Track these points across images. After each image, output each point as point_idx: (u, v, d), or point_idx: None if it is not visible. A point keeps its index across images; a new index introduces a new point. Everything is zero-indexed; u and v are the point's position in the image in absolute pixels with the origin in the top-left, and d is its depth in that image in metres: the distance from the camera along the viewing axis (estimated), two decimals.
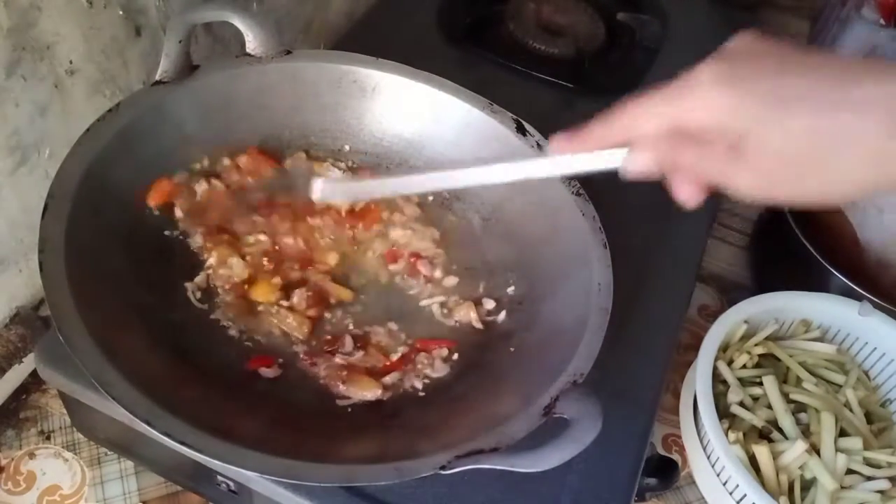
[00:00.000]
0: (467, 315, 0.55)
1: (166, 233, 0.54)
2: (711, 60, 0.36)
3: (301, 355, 0.52)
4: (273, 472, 0.40)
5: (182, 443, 0.40)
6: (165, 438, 0.40)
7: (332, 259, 0.57)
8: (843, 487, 0.58)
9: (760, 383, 0.64)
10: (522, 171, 0.43)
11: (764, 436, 0.62)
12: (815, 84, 0.33)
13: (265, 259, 0.55)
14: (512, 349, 0.53)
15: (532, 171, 0.43)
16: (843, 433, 0.61)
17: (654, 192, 0.65)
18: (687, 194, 0.38)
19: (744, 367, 0.65)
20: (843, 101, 0.32)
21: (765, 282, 0.79)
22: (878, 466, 0.60)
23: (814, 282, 0.69)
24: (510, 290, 0.57)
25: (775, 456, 0.59)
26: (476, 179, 0.45)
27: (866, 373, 0.68)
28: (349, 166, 0.63)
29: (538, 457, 0.41)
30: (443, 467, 0.41)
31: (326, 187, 0.48)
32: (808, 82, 0.33)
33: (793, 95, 0.33)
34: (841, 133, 0.33)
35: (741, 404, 0.63)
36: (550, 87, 0.83)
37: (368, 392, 0.51)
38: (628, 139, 0.39)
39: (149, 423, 0.40)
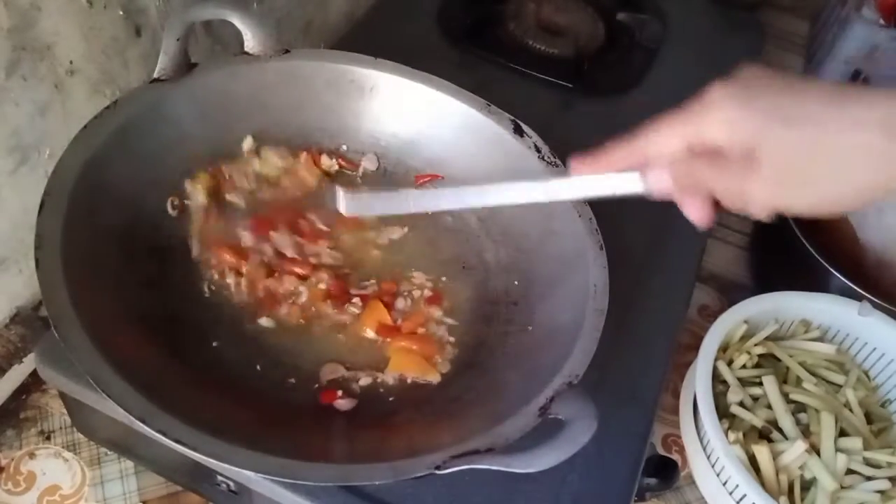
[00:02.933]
0: None
1: (164, 232, 0.54)
2: (722, 82, 0.39)
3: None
4: (268, 471, 0.40)
5: (178, 441, 0.40)
6: (162, 437, 0.40)
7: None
8: (843, 487, 0.58)
9: (760, 383, 0.64)
10: (551, 192, 0.45)
11: (764, 436, 0.61)
12: (817, 102, 0.36)
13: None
14: (507, 350, 0.53)
15: (558, 193, 0.45)
16: (842, 433, 0.61)
17: None
18: (698, 213, 0.41)
19: (744, 367, 0.65)
20: (843, 116, 0.36)
21: (765, 282, 0.79)
22: (878, 466, 0.60)
23: (814, 282, 0.69)
24: (507, 290, 0.57)
25: (775, 456, 0.59)
26: (500, 199, 0.46)
27: (866, 373, 0.68)
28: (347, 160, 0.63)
29: (533, 457, 0.41)
30: (438, 467, 0.41)
31: (351, 200, 0.48)
32: (810, 100, 0.37)
33: (798, 111, 0.36)
34: (843, 142, 0.35)
35: (741, 404, 0.63)
36: (550, 87, 0.83)
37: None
38: (646, 160, 0.41)
39: (145, 422, 0.40)
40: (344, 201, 0.48)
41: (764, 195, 0.38)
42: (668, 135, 0.40)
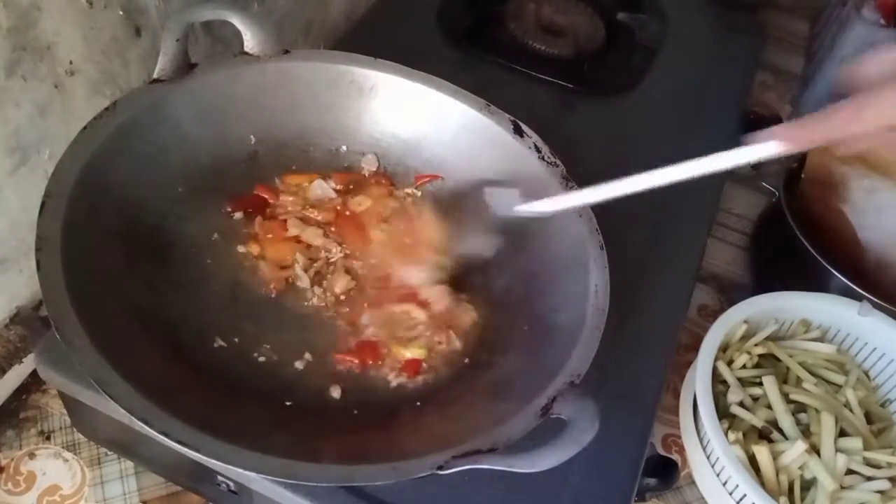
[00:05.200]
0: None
1: (164, 232, 0.55)
2: None
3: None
4: (270, 472, 0.40)
5: (179, 442, 0.40)
6: (163, 437, 0.40)
7: None
8: (843, 487, 0.58)
9: (760, 383, 0.64)
10: (735, 159, 0.43)
11: (764, 436, 0.61)
12: None
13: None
14: (508, 350, 0.53)
15: (748, 157, 0.43)
16: (843, 433, 0.61)
17: (652, 192, 0.65)
18: None
19: (743, 367, 0.65)
20: None
21: (765, 282, 0.79)
22: (878, 466, 0.60)
23: (814, 282, 0.69)
24: (507, 290, 0.57)
25: (775, 456, 0.59)
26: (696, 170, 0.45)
27: (866, 373, 0.68)
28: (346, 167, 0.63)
29: (535, 457, 0.41)
30: (440, 467, 0.41)
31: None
32: None
33: None
34: None
35: (741, 404, 0.63)
36: (550, 87, 0.83)
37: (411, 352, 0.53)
38: (868, 126, 0.39)
39: (146, 422, 0.40)
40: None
41: None
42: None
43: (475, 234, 0.55)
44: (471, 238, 0.55)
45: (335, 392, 0.51)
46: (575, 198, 0.52)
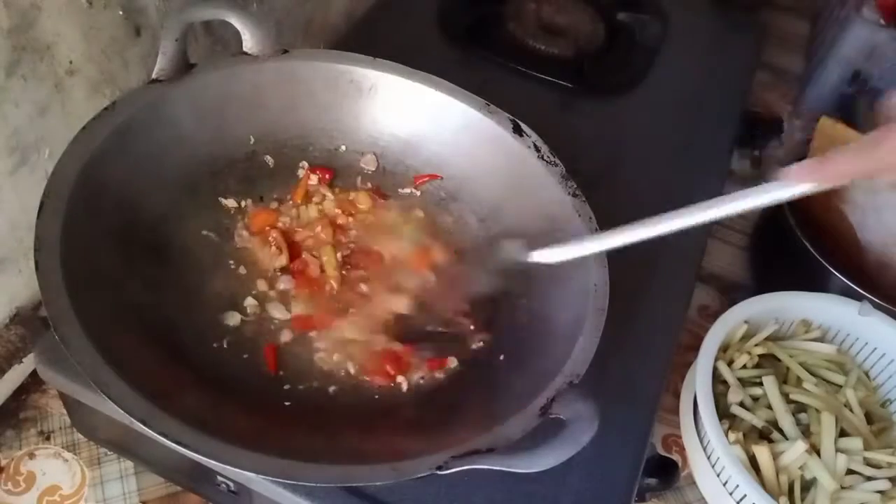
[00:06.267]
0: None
1: (163, 232, 0.54)
2: None
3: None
4: (269, 472, 0.40)
5: (178, 442, 0.40)
6: (162, 438, 0.40)
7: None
8: (843, 488, 0.58)
9: (760, 383, 0.64)
10: (751, 202, 0.45)
11: (764, 436, 0.61)
12: None
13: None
14: (508, 350, 0.53)
15: (761, 201, 0.45)
16: (843, 433, 0.61)
17: (652, 192, 0.65)
18: None
19: (744, 367, 0.65)
20: None
21: (765, 282, 0.79)
22: (878, 467, 0.60)
23: (814, 282, 0.69)
24: (507, 290, 0.57)
25: (775, 456, 0.59)
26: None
27: (866, 373, 0.68)
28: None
29: (534, 457, 0.41)
30: (439, 467, 0.41)
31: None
32: None
33: None
34: None
35: (741, 404, 0.63)
36: (550, 87, 0.83)
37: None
38: (884, 167, 0.40)
39: (145, 423, 0.40)
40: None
41: None
42: None
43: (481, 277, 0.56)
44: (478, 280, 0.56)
45: (334, 392, 0.51)
46: (585, 246, 0.51)
